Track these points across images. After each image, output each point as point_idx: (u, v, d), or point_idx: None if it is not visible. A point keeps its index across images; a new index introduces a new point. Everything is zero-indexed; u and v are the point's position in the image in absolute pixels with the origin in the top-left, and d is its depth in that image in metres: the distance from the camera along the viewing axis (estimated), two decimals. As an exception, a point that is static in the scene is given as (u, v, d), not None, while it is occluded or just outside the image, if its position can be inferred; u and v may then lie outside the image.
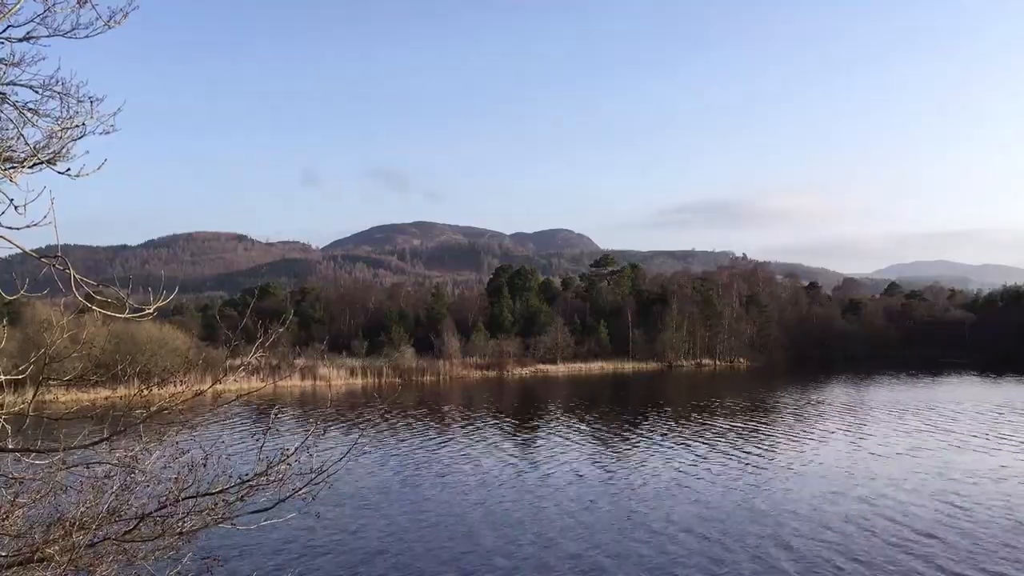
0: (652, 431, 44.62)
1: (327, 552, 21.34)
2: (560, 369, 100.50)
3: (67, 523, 6.43)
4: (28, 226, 5.25)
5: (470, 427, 47.42)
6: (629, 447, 39.22)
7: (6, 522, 6.46)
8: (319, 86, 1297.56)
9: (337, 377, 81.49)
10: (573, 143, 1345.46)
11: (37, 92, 5.76)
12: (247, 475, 6.91)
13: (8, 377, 6.29)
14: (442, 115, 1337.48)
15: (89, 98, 5.76)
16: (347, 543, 22.21)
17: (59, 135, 5.72)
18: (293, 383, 76.23)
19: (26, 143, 5.64)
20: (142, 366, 49.83)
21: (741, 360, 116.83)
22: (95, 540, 6.53)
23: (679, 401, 63.58)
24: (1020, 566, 19.77)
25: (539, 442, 41.51)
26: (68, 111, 5.76)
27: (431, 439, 42.44)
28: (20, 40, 5.60)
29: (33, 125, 5.72)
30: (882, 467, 33.11)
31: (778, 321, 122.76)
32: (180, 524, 6.67)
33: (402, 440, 42.08)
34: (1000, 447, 38.35)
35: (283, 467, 6.88)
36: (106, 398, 7.66)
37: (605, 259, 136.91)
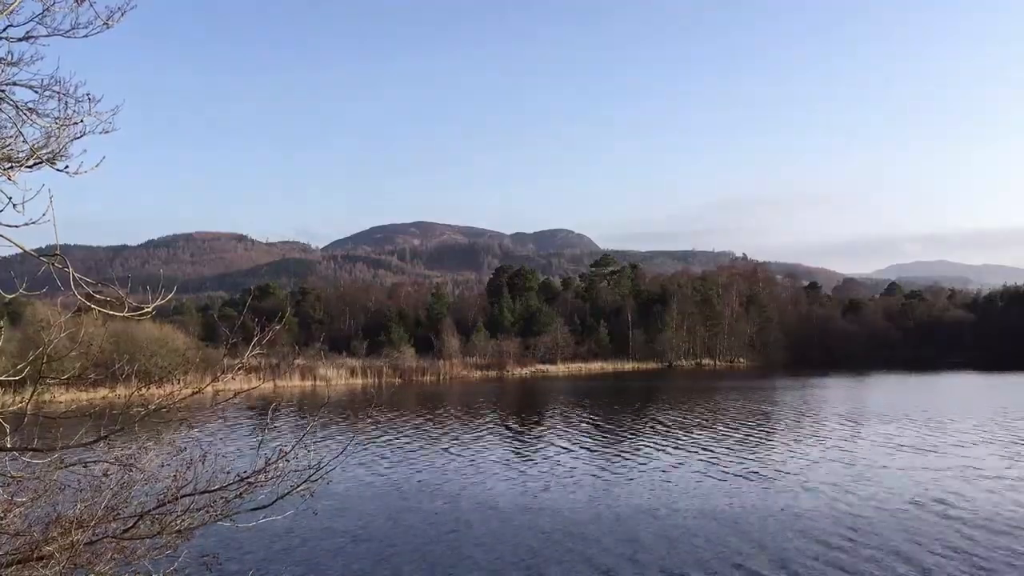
0: (652, 431, 44.62)
1: (325, 549, 21.35)
2: (560, 369, 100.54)
3: (66, 521, 6.45)
4: (27, 224, 5.26)
5: (469, 427, 47.43)
6: (628, 446, 39.23)
7: (4, 521, 6.47)
8: (318, 86, 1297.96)
9: (337, 377, 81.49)
10: (573, 143, 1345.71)
11: (36, 92, 5.77)
12: (245, 472, 6.93)
13: (6, 377, 6.30)
14: (441, 114, 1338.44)
15: (88, 97, 5.76)
16: (345, 541, 22.22)
17: (58, 134, 5.73)
18: (293, 383, 76.25)
19: (25, 142, 5.65)
20: (141, 365, 49.88)
21: (741, 360, 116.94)
22: (94, 538, 6.55)
23: (679, 401, 63.58)
24: (1017, 568, 19.77)
25: (538, 441, 41.52)
26: (67, 110, 5.77)
27: (430, 438, 42.45)
28: (19, 40, 5.61)
29: (32, 124, 5.73)
30: (883, 469, 33.12)
31: (778, 321, 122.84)
32: (178, 522, 6.69)
33: (401, 439, 42.09)
34: (999, 449, 38.34)
35: (281, 464, 6.90)
36: (104, 397, 7.71)
37: (605, 259, 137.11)
